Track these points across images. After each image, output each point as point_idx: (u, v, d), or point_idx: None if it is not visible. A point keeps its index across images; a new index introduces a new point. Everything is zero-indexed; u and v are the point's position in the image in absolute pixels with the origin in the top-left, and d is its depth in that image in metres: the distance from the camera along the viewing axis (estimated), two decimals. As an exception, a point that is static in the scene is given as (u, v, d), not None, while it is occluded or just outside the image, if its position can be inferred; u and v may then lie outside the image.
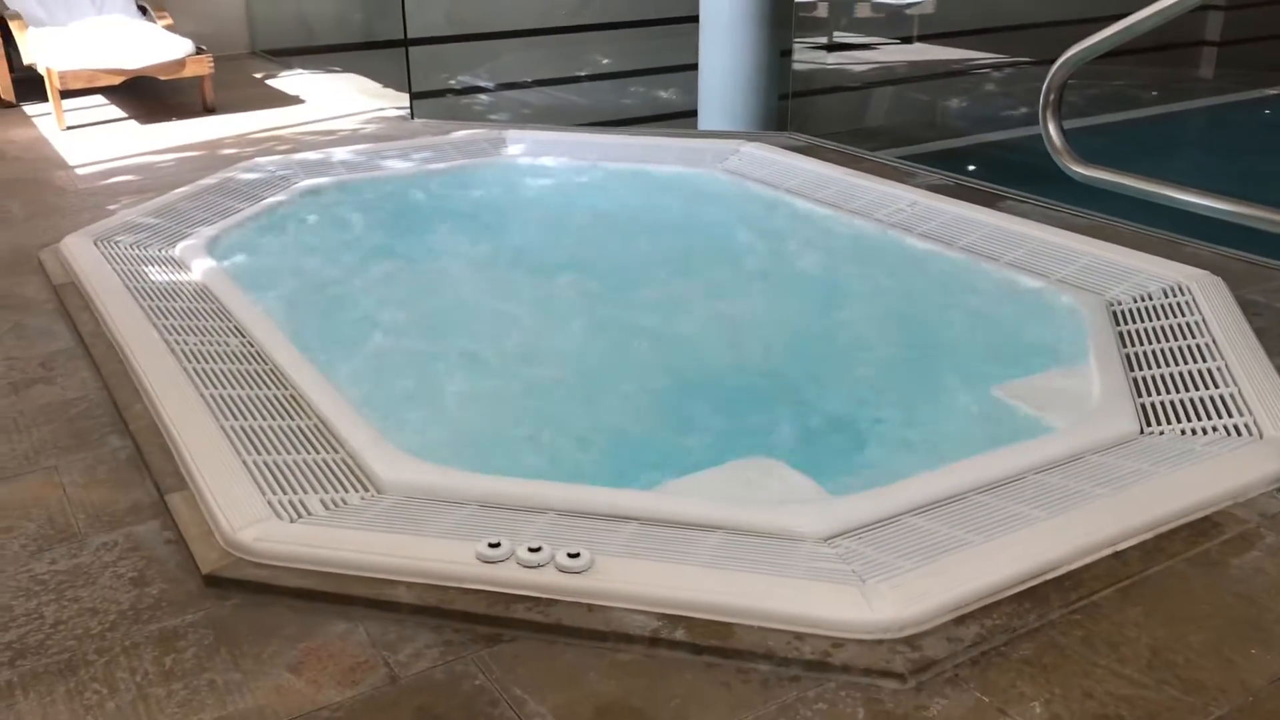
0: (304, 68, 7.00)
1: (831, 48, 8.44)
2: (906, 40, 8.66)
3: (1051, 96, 2.32)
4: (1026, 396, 2.69)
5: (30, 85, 5.98)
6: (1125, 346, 2.86)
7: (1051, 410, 2.61)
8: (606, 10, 8.49)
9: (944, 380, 2.99)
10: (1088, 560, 1.99)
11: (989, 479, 2.23)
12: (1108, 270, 3.30)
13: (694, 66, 6.21)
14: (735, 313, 3.51)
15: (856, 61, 8.67)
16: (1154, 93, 7.90)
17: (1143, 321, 2.99)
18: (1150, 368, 2.73)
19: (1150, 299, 3.10)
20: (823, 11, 8.41)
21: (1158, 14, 2.00)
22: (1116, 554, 2.01)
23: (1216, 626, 1.84)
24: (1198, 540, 2.06)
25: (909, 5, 8.41)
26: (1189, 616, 1.86)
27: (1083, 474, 2.25)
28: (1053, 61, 2.39)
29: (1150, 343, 2.87)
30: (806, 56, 6.52)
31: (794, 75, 5.72)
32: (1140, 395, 2.61)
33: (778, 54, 5.90)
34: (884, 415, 2.84)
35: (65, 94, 5.54)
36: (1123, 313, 3.06)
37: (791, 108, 5.58)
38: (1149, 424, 2.48)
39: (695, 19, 6.10)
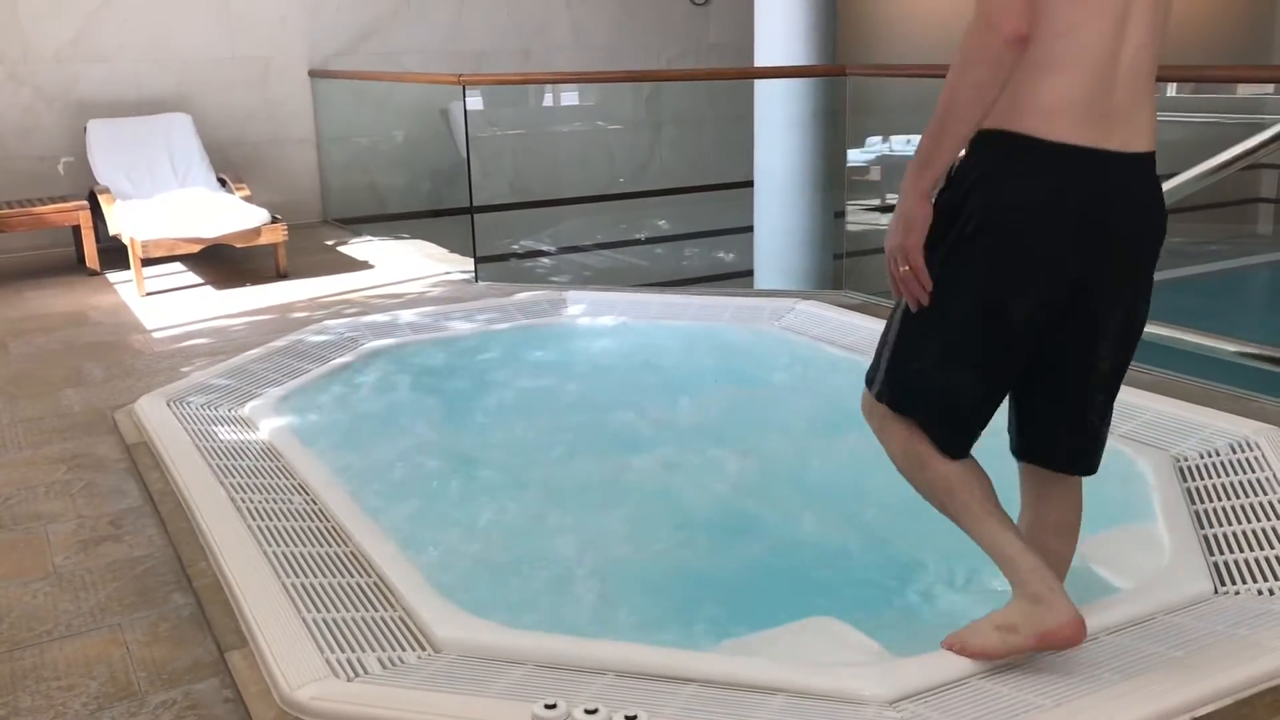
0: (374, 234, 7.28)
1: (885, 209, 8.62)
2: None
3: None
4: (1092, 555, 2.63)
5: (114, 254, 6.26)
6: (1194, 503, 2.80)
7: (1119, 569, 2.54)
8: (664, 177, 8.78)
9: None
10: (1165, 726, 1.91)
11: (1058, 640, 2.16)
12: (1172, 426, 3.26)
13: (749, 228, 6.37)
14: (797, 468, 3.50)
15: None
16: (1212, 248, 7.92)
17: (1211, 478, 2.93)
18: (1222, 525, 2.67)
19: (1218, 454, 3.04)
20: (876, 175, 8.62)
21: (1195, 179, 2.04)
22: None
23: (1307, 799, 1.75)
24: (1282, 706, 1.98)
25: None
26: (1277, 788, 1.78)
27: (1156, 635, 2.18)
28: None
29: (1220, 499, 2.81)
30: (860, 218, 6.67)
31: (848, 235, 5.83)
32: (1212, 554, 2.54)
33: (831, 215, 6.05)
34: (941, 572, 2.78)
35: (146, 262, 5.78)
36: (1190, 469, 3.00)
37: (846, 266, 5.66)
38: (1223, 583, 2.41)
39: (750, 184, 6.28)
